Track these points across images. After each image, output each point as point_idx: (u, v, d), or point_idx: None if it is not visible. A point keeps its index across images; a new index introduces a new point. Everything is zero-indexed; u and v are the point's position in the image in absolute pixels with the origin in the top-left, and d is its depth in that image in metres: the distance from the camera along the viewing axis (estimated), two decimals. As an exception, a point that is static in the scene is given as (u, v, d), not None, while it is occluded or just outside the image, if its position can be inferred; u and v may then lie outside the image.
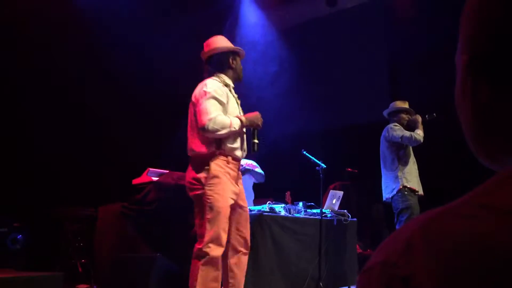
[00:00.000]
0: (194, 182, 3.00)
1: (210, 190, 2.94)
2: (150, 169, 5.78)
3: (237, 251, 3.13)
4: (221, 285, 3.12)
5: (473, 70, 0.55)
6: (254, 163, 5.57)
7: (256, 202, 5.29)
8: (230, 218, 3.04)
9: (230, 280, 3.09)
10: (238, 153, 3.14)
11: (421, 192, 4.69)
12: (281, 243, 4.44)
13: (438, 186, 5.09)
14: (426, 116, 4.84)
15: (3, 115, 5.74)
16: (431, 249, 0.44)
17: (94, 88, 6.35)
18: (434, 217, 0.47)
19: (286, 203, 5.00)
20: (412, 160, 4.75)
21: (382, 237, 6.64)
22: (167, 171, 5.80)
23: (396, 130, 4.68)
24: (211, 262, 2.92)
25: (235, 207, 3.08)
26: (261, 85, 7.11)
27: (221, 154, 3.03)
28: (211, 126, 2.92)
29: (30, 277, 3.92)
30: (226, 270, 3.10)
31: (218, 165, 2.98)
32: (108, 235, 5.55)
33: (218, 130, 2.95)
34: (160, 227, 5.36)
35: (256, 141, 3.23)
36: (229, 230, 3.05)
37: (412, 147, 4.81)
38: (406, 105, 4.96)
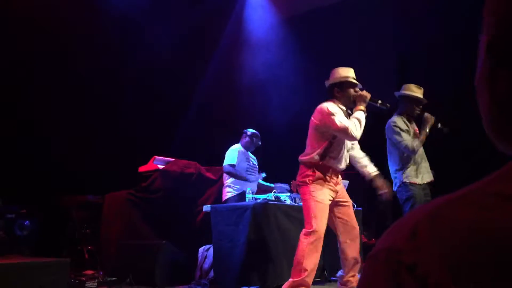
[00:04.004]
0: (304, 179, 3.76)
1: (314, 187, 3.70)
2: (157, 157, 5.79)
3: (347, 235, 3.82)
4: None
5: (492, 54, 0.51)
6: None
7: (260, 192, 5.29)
8: (333, 211, 3.82)
9: (344, 262, 3.82)
10: (335, 165, 3.81)
11: (427, 180, 4.36)
12: (286, 232, 4.45)
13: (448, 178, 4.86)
14: (439, 124, 4.28)
15: (10, 104, 5.76)
16: (438, 237, 0.42)
17: (99, 77, 6.34)
18: (443, 205, 0.45)
19: (291, 192, 4.99)
20: (420, 155, 4.36)
21: (387, 226, 6.60)
22: (173, 159, 5.81)
23: (395, 134, 4.31)
24: (317, 240, 3.62)
25: (337, 202, 3.84)
26: (266, 75, 7.08)
27: (323, 163, 3.73)
28: (356, 133, 3.59)
29: (37, 262, 3.95)
30: (342, 252, 3.83)
31: (321, 171, 3.74)
32: (114, 222, 5.58)
33: (360, 129, 3.63)
34: (166, 215, 5.38)
35: (379, 102, 3.80)
36: (336, 221, 3.84)
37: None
38: (419, 93, 4.38)
